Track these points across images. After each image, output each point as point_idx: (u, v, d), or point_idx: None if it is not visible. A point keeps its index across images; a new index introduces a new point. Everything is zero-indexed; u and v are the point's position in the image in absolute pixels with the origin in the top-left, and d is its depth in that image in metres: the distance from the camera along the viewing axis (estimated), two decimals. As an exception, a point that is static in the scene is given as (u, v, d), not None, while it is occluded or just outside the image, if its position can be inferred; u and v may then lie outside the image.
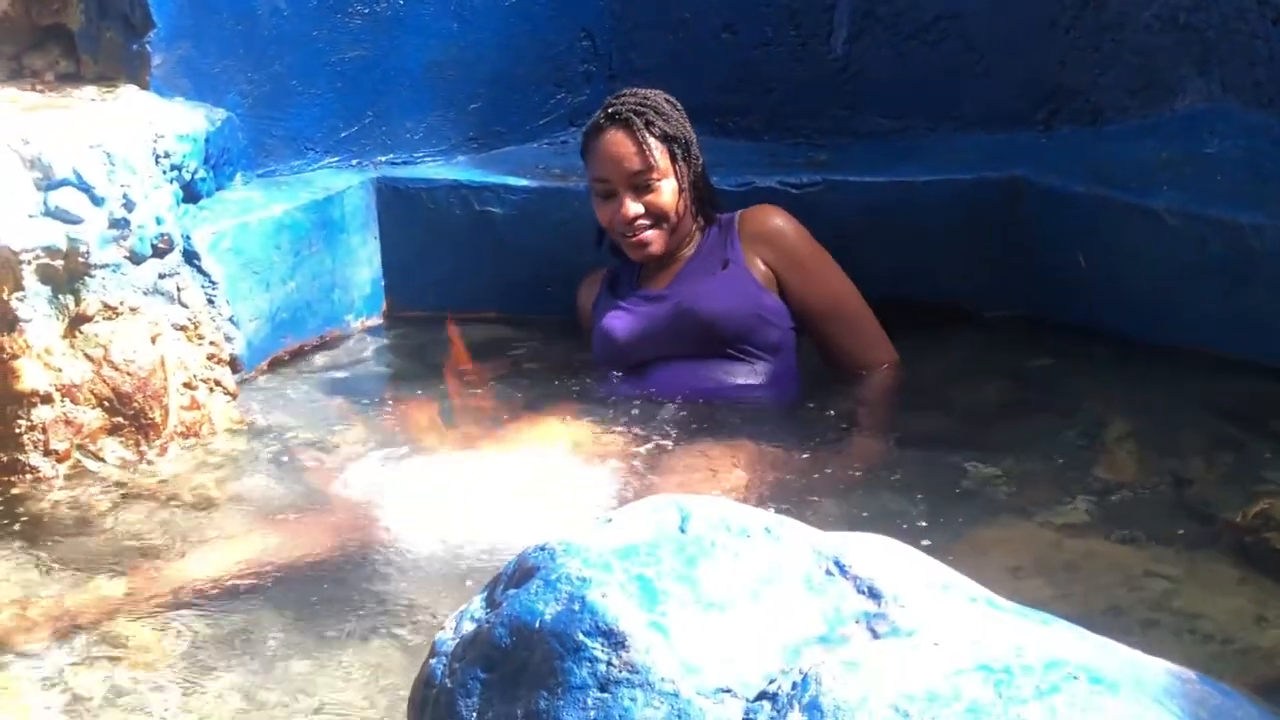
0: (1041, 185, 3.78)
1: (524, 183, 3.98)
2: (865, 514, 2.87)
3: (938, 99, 4.19)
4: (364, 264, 3.97)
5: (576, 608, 1.55)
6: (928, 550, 1.78)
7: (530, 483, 2.98)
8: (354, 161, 4.04)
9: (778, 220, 3.47)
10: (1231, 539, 2.70)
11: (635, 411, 3.31)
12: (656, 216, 3.40)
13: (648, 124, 3.40)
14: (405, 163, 4.10)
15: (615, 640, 1.51)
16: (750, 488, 2.95)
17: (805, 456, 3.13)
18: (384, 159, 4.08)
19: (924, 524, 2.82)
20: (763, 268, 3.43)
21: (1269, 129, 3.76)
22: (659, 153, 3.39)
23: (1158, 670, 1.66)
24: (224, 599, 2.57)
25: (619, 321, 3.47)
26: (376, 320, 4.02)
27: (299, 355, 3.75)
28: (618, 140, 3.40)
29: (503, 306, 4.03)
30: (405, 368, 3.82)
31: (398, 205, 4.00)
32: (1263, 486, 2.92)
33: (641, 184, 3.38)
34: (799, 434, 3.22)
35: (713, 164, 3.91)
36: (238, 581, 2.62)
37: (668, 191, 3.40)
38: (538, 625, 1.56)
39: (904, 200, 3.88)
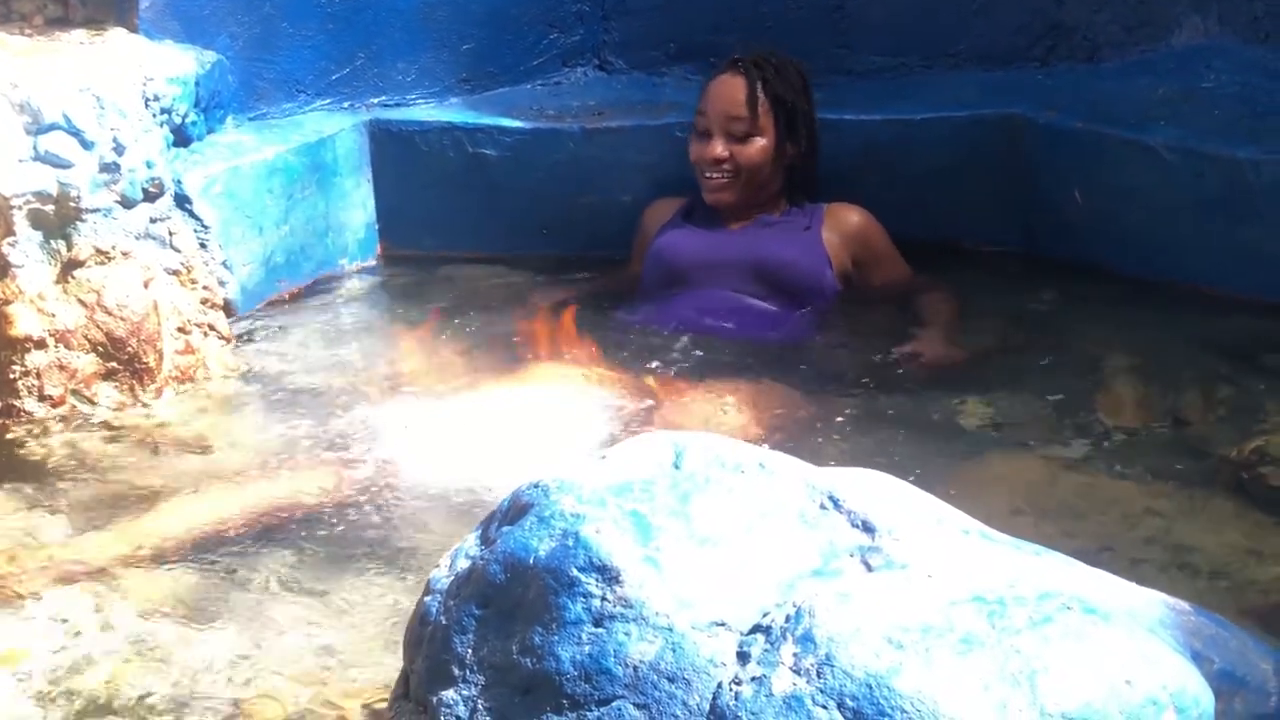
0: (1039, 122, 3.77)
1: (518, 124, 3.96)
2: (861, 452, 2.86)
3: (934, 36, 4.16)
4: (357, 207, 3.94)
5: (570, 544, 1.55)
6: (924, 488, 1.78)
7: (532, 422, 2.98)
8: (346, 104, 4.00)
9: (866, 220, 3.62)
10: (1228, 475, 2.71)
11: (645, 348, 3.34)
12: (739, 168, 3.52)
13: (764, 80, 3.53)
14: (398, 105, 4.06)
15: (609, 575, 1.52)
16: (749, 426, 2.96)
17: (805, 398, 3.14)
18: (376, 101, 4.04)
19: (920, 462, 2.81)
20: (842, 255, 3.57)
21: (1266, 64, 3.75)
22: (764, 109, 3.52)
23: (1152, 601, 1.67)
24: (221, 543, 2.56)
25: (685, 239, 3.60)
26: (371, 263, 3.99)
27: (293, 299, 3.72)
28: (730, 83, 3.55)
29: (497, 248, 4.00)
30: (400, 311, 3.80)
31: (391, 148, 3.97)
32: (1260, 423, 2.93)
33: (736, 131, 3.52)
34: (802, 377, 3.24)
35: (709, 105, 3.92)
36: (235, 525, 2.60)
37: (758, 148, 3.53)
38: (532, 561, 1.56)
39: (901, 138, 3.87)
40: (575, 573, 1.52)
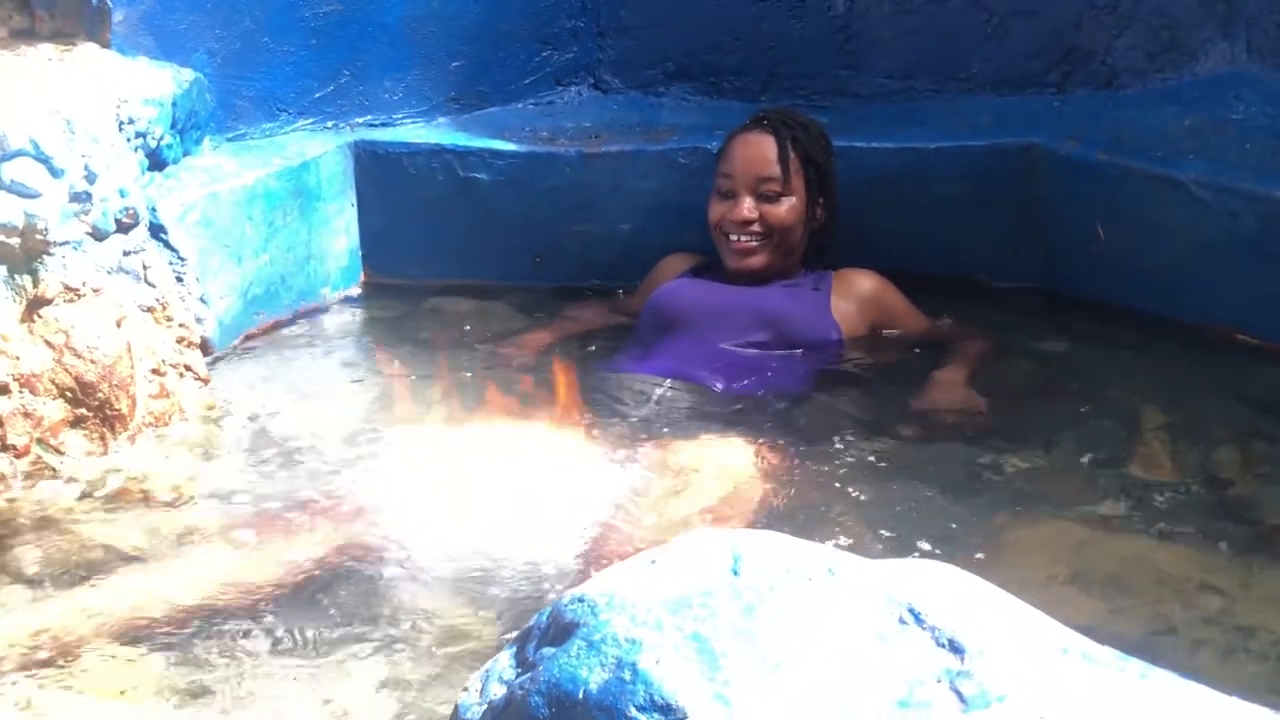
0: (1060, 153, 3.60)
1: (511, 146, 3.80)
2: (879, 515, 2.68)
3: (944, 59, 4.01)
4: (341, 233, 3.76)
5: (627, 676, 1.35)
6: (955, 558, 1.60)
7: (519, 476, 2.80)
8: (329, 124, 3.83)
9: (879, 284, 3.45)
10: (1285, 545, 2.54)
11: (639, 399, 3.15)
12: (769, 230, 3.35)
13: (794, 139, 3.37)
14: (383, 125, 3.89)
15: (675, 717, 1.31)
16: (765, 488, 2.78)
17: (812, 455, 2.93)
18: (361, 121, 3.87)
19: (946, 525, 2.65)
20: (857, 322, 3.39)
21: (1299, 96, 3.60)
22: (795, 168, 3.36)
23: (1269, 726, 1.49)
24: (203, 612, 2.35)
25: (688, 288, 3.43)
26: (354, 293, 3.82)
27: (273, 332, 3.53)
28: (758, 142, 3.38)
29: (487, 278, 3.84)
30: (385, 342, 3.62)
31: (376, 170, 3.79)
32: (1308, 486, 2.77)
33: (766, 192, 3.35)
34: (808, 432, 3.04)
35: (709, 127, 3.77)
36: (219, 592, 2.40)
37: (788, 209, 3.36)
38: (581, 695, 1.36)
39: (915, 168, 3.71)
40: (634, 712, 1.32)
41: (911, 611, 1.49)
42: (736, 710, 1.34)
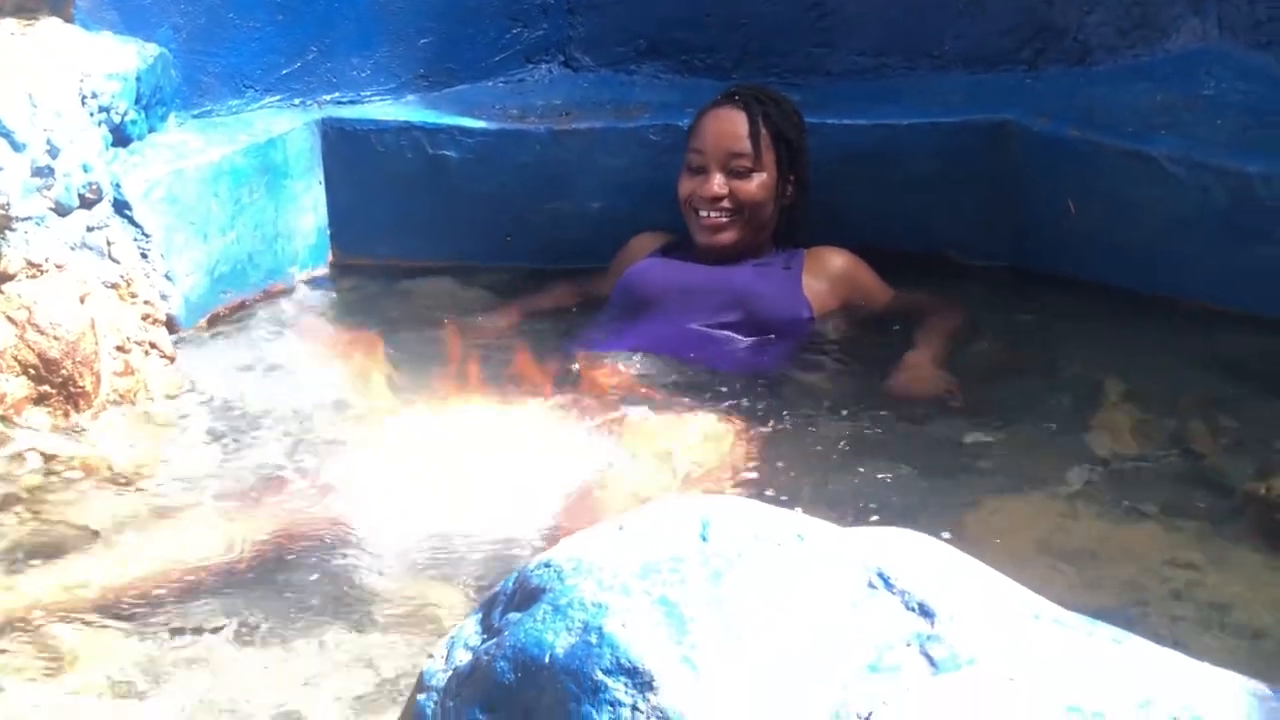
0: (1032, 130, 3.59)
1: (480, 124, 3.75)
2: (847, 492, 2.67)
3: (917, 36, 3.97)
4: (308, 211, 3.72)
5: (593, 640, 1.33)
6: (926, 531, 1.58)
7: (489, 453, 2.79)
8: (296, 101, 3.78)
9: (850, 261, 3.44)
10: (1256, 515, 2.54)
11: (606, 373, 3.12)
12: (739, 206, 3.33)
13: (765, 115, 3.36)
14: (351, 102, 3.83)
15: (641, 680, 1.30)
16: (735, 464, 2.77)
17: (781, 431, 2.94)
18: (329, 98, 3.81)
19: (917, 499, 2.65)
20: (828, 301, 3.38)
21: (1269, 71, 3.62)
22: (765, 144, 3.34)
23: (1239, 691, 1.48)
24: (167, 593, 2.34)
25: (658, 268, 3.41)
26: (322, 271, 3.78)
27: (239, 311, 3.50)
28: (729, 117, 3.37)
29: (456, 256, 3.80)
30: (353, 321, 3.59)
31: (344, 148, 3.75)
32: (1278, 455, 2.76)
33: (737, 168, 3.33)
34: (778, 408, 3.03)
35: (680, 105, 3.75)
36: (182, 573, 2.39)
37: (759, 185, 3.34)
38: (547, 659, 1.34)
39: (887, 144, 3.68)
40: (600, 676, 1.30)
41: (881, 576, 1.48)
42: (704, 674, 1.32)
